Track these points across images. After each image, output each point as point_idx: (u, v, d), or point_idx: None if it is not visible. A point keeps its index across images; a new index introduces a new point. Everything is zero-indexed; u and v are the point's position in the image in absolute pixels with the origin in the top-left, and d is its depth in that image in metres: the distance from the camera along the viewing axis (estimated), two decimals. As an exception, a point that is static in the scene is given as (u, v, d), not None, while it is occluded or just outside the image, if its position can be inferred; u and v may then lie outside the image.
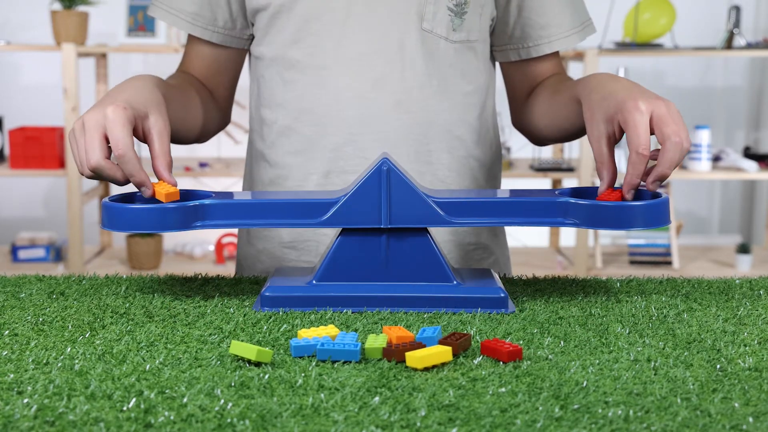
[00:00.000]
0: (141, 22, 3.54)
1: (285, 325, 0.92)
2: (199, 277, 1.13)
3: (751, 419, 0.69)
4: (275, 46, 1.25)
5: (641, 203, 0.98)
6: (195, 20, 1.28)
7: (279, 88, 1.26)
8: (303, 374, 0.77)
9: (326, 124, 1.23)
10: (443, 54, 1.24)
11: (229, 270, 3.56)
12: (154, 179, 1.06)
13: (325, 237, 1.25)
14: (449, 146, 1.25)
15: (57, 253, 3.62)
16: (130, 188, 1.04)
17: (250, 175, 1.34)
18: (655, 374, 0.78)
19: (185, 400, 0.71)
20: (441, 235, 1.27)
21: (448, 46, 1.24)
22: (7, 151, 3.62)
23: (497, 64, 1.37)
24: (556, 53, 1.34)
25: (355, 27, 1.21)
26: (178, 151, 3.99)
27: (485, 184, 1.32)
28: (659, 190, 1.02)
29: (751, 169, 3.56)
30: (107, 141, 1.00)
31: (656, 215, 0.98)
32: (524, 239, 3.92)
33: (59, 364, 0.80)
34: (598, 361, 0.81)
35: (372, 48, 1.21)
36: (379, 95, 1.21)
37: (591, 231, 3.64)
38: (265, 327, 0.91)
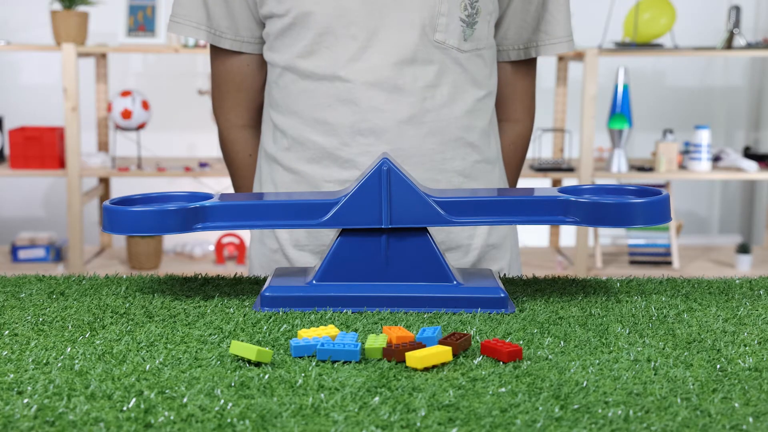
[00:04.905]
0: (141, 22, 3.53)
1: (285, 325, 0.92)
2: (199, 277, 1.13)
3: (751, 419, 0.69)
4: (288, 56, 1.25)
5: (642, 200, 0.98)
6: (200, 26, 1.30)
7: (292, 96, 1.26)
8: (303, 374, 0.77)
9: (341, 135, 1.23)
10: (455, 64, 1.25)
11: (229, 270, 3.56)
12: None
13: None
14: (462, 153, 1.26)
15: (57, 253, 3.62)
16: (131, 191, 1.04)
17: (260, 173, 1.35)
18: (655, 374, 0.78)
19: (185, 400, 0.71)
20: (457, 240, 1.28)
21: (459, 56, 1.25)
22: (7, 151, 3.62)
23: None
24: (534, 61, 1.40)
25: (369, 40, 1.21)
26: (178, 151, 3.99)
27: (498, 185, 1.34)
28: (660, 188, 1.02)
29: (751, 169, 3.56)
30: None
31: (657, 212, 0.98)
32: (524, 239, 3.92)
33: (59, 364, 0.80)
34: (598, 361, 0.81)
35: (386, 61, 1.21)
36: (394, 107, 1.22)
37: (591, 231, 3.64)
38: (265, 327, 0.91)
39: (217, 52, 1.34)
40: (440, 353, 0.80)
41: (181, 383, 0.75)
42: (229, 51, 1.33)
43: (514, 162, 1.42)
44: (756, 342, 0.88)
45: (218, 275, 1.14)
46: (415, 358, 0.79)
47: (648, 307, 1.00)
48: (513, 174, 1.43)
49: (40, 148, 3.41)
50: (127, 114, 3.44)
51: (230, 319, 0.95)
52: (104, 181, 3.81)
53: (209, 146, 3.96)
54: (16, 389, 0.73)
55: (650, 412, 0.70)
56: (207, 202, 1.00)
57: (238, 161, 1.39)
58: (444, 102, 1.24)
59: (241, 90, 1.35)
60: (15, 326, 0.92)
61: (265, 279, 1.12)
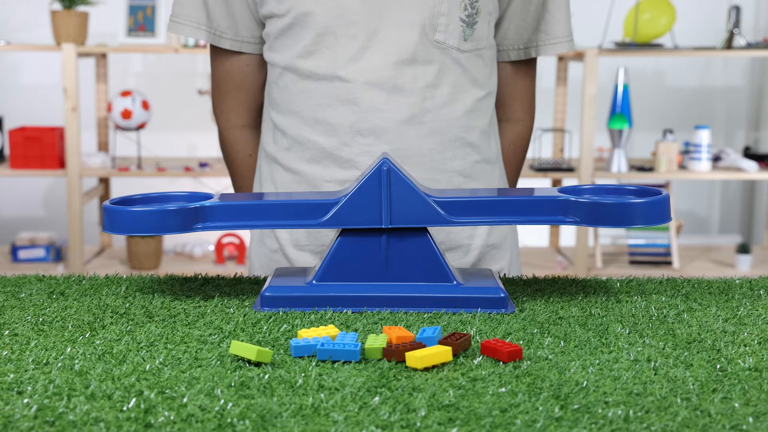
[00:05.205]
0: (141, 22, 3.53)
1: (285, 325, 0.92)
2: (199, 277, 1.13)
3: (751, 419, 0.69)
4: (289, 56, 1.25)
5: (641, 200, 0.98)
6: (200, 26, 1.30)
7: (292, 97, 1.26)
8: (303, 374, 0.77)
9: (341, 135, 1.23)
10: (455, 64, 1.25)
11: (229, 270, 3.56)
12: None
13: None
14: (462, 153, 1.27)
15: (57, 253, 3.62)
16: (131, 191, 1.04)
17: (260, 173, 1.35)
18: (655, 374, 0.78)
19: (185, 400, 0.71)
20: (457, 240, 1.28)
21: (459, 56, 1.25)
22: (7, 151, 3.62)
23: None
24: (534, 61, 1.40)
25: (369, 40, 1.21)
26: (178, 151, 3.99)
27: (498, 185, 1.34)
28: (660, 188, 1.02)
29: (751, 169, 3.56)
30: None
31: (657, 212, 0.98)
32: (524, 239, 3.92)
33: (59, 364, 0.80)
34: (598, 361, 0.81)
35: (386, 61, 1.22)
36: (394, 107, 1.22)
37: (591, 231, 3.64)
38: (265, 327, 0.91)
39: (217, 52, 1.34)
40: (440, 353, 0.80)
41: (181, 383, 0.75)
42: (229, 51, 1.33)
43: (514, 162, 1.42)
44: (756, 342, 0.88)
45: (218, 275, 1.14)
46: (415, 358, 0.79)
47: (648, 307, 1.00)
48: (513, 174, 1.43)
49: (40, 148, 3.41)
50: (127, 114, 3.44)
51: (230, 319, 0.95)
52: (104, 181, 3.81)
53: (209, 146, 3.96)
54: (16, 389, 0.73)
55: (650, 412, 0.70)
56: (207, 202, 1.00)
57: (238, 161, 1.39)
58: (444, 102, 1.24)
59: (241, 90, 1.35)
60: (15, 326, 0.92)
61: (265, 279, 1.12)
